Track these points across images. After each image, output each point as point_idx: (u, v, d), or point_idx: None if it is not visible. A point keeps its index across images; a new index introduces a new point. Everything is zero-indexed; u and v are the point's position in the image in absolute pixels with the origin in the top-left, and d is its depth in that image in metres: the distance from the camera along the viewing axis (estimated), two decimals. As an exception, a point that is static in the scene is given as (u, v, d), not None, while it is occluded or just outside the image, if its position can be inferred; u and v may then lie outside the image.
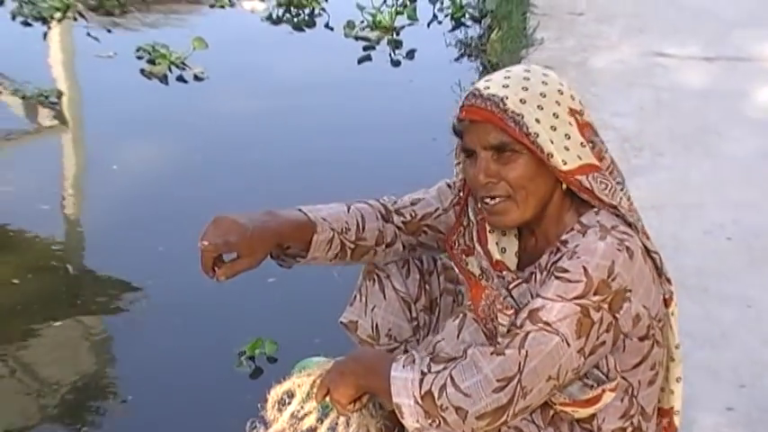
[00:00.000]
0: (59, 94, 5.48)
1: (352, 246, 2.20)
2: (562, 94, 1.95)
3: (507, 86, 1.94)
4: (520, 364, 1.83)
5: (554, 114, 1.92)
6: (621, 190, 1.99)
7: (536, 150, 1.90)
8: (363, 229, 2.21)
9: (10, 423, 3.05)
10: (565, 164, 1.91)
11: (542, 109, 1.91)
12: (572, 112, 1.95)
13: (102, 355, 3.45)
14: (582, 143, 1.94)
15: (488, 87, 1.95)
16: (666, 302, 2.03)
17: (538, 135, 1.90)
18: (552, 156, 1.90)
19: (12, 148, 5.15)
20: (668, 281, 2.03)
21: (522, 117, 1.90)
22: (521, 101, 1.91)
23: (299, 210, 2.16)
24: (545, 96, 1.93)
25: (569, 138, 1.92)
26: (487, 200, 1.98)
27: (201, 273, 2.06)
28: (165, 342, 3.42)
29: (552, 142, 1.90)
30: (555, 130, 1.91)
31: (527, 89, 1.93)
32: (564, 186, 1.97)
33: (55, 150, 5.15)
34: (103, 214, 4.33)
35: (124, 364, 3.35)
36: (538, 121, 1.90)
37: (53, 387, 3.22)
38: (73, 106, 5.53)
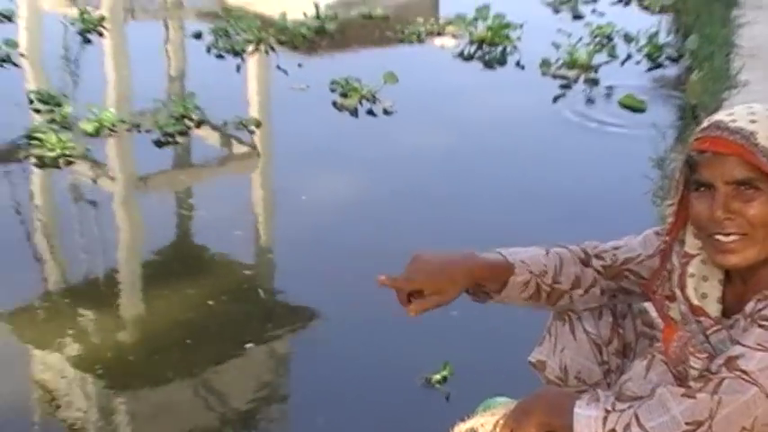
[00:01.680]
0: (258, 124, 5.67)
1: (548, 289, 2.18)
2: None
3: (755, 122, 1.89)
4: (711, 409, 1.77)
5: None
6: None
7: None
8: (560, 272, 2.19)
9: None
10: None
11: None
12: None
13: (290, 376, 3.54)
14: None
15: (734, 120, 1.90)
16: None
17: None
18: None
19: (209, 174, 5.37)
20: None
21: None
22: None
23: (499, 252, 2.17)
24: None
25: None
26: (720, 237, 1.91)
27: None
28: (351, 366, 3.47)
29: None
30: None
31: None
32: None
33: (248, 178, 5.34)
34: (292, 242, 4.43)
35: (312, 386, 3.40)
36: None
37: (244, 407, 3.32)
38: (266, 136, 5.71)
